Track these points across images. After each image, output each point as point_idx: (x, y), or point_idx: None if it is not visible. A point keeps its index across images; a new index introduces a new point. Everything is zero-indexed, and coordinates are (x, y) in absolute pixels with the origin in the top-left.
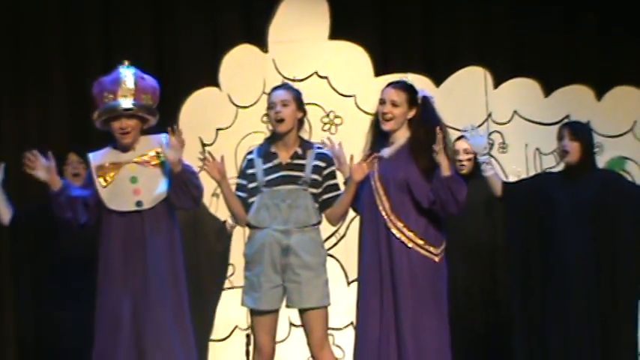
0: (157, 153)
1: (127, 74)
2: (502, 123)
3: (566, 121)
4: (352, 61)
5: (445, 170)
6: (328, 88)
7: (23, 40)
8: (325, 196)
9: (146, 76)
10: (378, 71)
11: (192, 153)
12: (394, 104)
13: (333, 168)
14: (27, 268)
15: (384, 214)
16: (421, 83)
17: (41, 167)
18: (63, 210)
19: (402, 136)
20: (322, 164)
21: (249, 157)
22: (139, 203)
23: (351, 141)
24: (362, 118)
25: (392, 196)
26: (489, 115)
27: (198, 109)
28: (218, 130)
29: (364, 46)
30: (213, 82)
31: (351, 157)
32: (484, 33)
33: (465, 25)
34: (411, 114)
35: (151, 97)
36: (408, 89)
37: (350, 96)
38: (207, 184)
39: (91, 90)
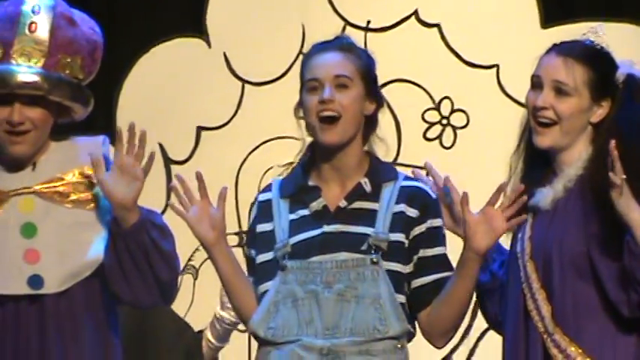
0: (84, 177)
1: (39, 8)
2: None
3: None
4: None
5: None
6: (441, 50)
7: None
8: (420, 281)
9: (77, 15)
10: (549, 17)
11: (154, 179)
12: (561, 91)
13: (437, 222)
14: None
15: (539, 326)
16: (632, 49)
17: None
18: None
19: (576, 159)
20: (414, 212)
21: (263, 197)
22: (34, 281)
23: (486, 167)
24: (510, 115)
25: (557, 291)
26: None
27: (159, 82)
28: (200, 129)
29: None
30: (196, 29)
31: (463, 197)
32: None
33: None
34: (599, 113)
35: (83, 62)
36: (595, 60)
37: (487, 67)
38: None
39: None
